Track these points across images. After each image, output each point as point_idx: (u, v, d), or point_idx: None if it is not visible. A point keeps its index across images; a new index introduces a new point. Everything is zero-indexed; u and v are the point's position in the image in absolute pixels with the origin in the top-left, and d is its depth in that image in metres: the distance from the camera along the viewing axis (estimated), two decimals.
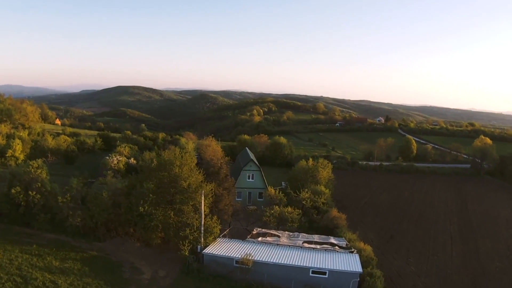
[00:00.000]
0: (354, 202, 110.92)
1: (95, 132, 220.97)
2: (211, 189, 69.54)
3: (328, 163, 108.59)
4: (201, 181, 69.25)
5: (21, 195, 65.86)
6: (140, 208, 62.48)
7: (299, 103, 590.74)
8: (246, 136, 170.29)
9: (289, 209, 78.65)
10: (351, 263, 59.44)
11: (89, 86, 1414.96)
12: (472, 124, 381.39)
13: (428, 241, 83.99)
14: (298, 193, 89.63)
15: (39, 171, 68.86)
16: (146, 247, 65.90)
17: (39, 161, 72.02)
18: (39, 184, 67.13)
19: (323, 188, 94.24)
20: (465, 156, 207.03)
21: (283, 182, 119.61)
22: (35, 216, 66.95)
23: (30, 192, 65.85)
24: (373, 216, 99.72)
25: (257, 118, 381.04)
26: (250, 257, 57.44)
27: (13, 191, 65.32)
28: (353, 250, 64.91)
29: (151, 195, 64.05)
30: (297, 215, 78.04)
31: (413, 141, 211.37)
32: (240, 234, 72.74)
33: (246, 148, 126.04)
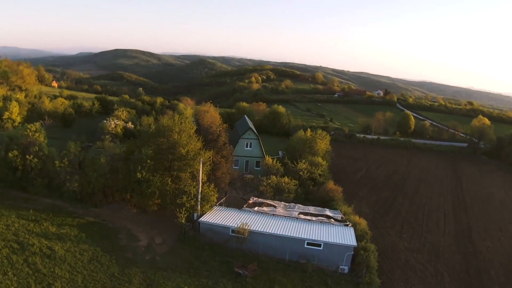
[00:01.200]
0: (350, 175, 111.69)
1: (93, 95, 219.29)
2: (209, 157, 69.41)
3: (326, 134, 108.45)
4: (200, 148, 69.01)
5: (18, 159, 65.48)
6: (138, 174, 62.33)
7: (298, 72, 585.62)
8: (244, 104, 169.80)
9: (286, 179, 78.78)
10: (345, 236, 59.88)
11: (86, 49, 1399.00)
12: (470, 103, 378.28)
13: (422, 217, 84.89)
14: (295, 163, 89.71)
15: (37, 134, 68.31)
16: (142, 213, 66.06)
17: (37, 124, 71.39)
18: (37, 148, 66.66)
19: (320, 160, 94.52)
20: (462, 134, 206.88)
21: (280, 152, 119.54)
22: (32, 181, 66.73)
23: (27, 156, 65.47)
24: (368, 190, 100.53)
25: (255, 86, 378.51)
26: (246, 227, 57.70)
27: (10, 154, 64.83)
28: (348, 223, 65.34)
29: (149, 161, 63.83)
30: (294, 185, 78.25)
31: (412, 116, 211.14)
32: (237, 203, 73.09)
33: (245, 116, 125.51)
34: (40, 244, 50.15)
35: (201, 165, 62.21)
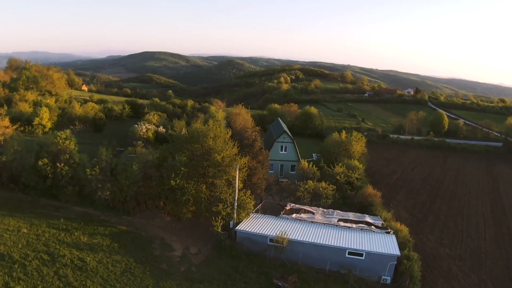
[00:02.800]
0: (385, 178, 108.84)
1: (122, 99, 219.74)
2: (245, 163, 67.03)
3: (361, 136, 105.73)
4: (235, 154, 66.63)
5: (49, 167, 64.14)
6: (172, 181, 60.30)
7: (327, 71, 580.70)
8: (276, 105, 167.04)
9: (323, 184, 76.01)
10: (388, 244, 57.05)
11: (115, 52, 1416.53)
12: (503, 101, 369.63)
13: (461, 222, 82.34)
14: (332, 167, 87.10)
15: (67, 142, 66.84)
16: (176, 221, 64.08)
17: (67, 131, 69.97)
18: (67, 156, 65.17)
19: (357, 163, 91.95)
20: (496, 133, 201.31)
21: (314, 154, 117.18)
22: (62, 189, 65.37)
23: (58, 164, 64.01)
24: (405, 193, 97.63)
25: (284, 86, 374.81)
26: (285, 235, 55.22)
27: (40, 163, 63.60)
28: (389, 230, 62.63)
29: (182, 168, 61.73)
30: (331, 191, 75.52)
31: (445, 116, 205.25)
32: (273, 209, 70.74)
33: (279, 118, 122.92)
34: (71, 255, 48.37)
35: (237, 172, 59.81)
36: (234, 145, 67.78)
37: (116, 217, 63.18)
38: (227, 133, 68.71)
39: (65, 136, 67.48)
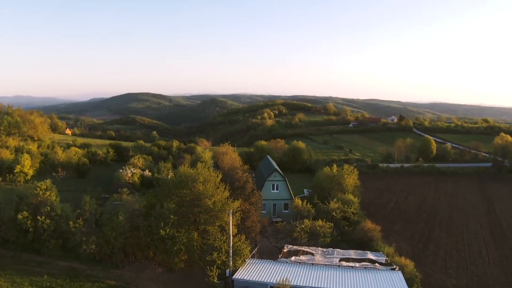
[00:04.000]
0: (380, 209, 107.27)
1: (107, 142, 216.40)
2: (238, 207, 63.67)
3: (353, 169, 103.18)
4: (227, 198, 63.22)
5: (29, 221, 60.18)
6: (161, 231, 56.67)
7: (309, 105, 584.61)
8: (262, 142, 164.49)
9: (320, 222, 72.80)
10: (395, 283, 53.88)
11: (98, 94, 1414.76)
12: (486, 121, 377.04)
13: (462, 248, 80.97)
14: (326, 203, 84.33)
15: (48, 193, 63.04)
16: (168, 272, 60.10)
17: (48, 181, 66.14)
18: (48, 208, 61.22)
19: (351, 197, 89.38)
20: (485, 154, 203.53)
21: (305, 190, 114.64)
22: (45, 243, 61.23)
23: (38, 217, 60.07)
24: (402, 223, 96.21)
25: (269, 122, 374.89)
26: (286, 282, 51.57)
27: (19, 216, 59.71)
28: (394, 266, 59.49)
29: (172, 216, 58.18)
30: (329, 228, 72.36)
31: (433, 141, 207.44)
32: (270, 253, 67.05)
33: (268, 156, 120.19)
34: None
35: (231, 218, 56.38)
36: (225, 188, 64.45)
37: (104, 271, 58.98)
38: (217, 176, 65.40)
39: (45, 187, 63.74)
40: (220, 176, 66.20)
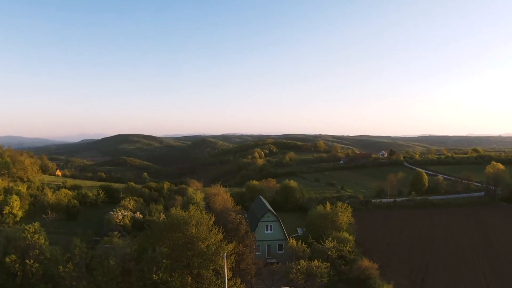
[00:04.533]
0: (375, 245, 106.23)
1: (97, 183, 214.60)
2: (232, 249, 62.13)
3: (347, 206, 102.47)
4: (221, 241, 61.65)
5: (17, 264, 58.25)
6: (154, 276, 54.96)
7: (300, 143, 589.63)
8: (254, 182, 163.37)
9: (316, 262, 71.58)
10: None
11: (89, 136, 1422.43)
12: (476, 150, 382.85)
13: (461, 280, 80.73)
14: (322, 242, 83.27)
15: (36, 236, 61.23)
16: None
17: (36, 224, 64.33)
18: (37, 252, 59.42)
19: (346, 235, 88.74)
20: (477, 184, 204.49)
21: (299, 229, 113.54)
22: (34, 287, 59.16)
23: (27, 261, 58.21)
24: (398, 259, 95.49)
25: (260, 161, 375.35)
26: None
27: (7, 259, 57.80)
28: None
29: (164, 260, 56.53)
30: (325, 268, 71.00)
31: (424, 173, 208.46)
32: None
33: (260, 196, 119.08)
34: None
35: (225, 262, 54.86)
36: (218, 230, 62.97)
37: None
38: (210, 219, 63.97)
39: (33, 230, 61.98)
40: (213, 218, 64.80)
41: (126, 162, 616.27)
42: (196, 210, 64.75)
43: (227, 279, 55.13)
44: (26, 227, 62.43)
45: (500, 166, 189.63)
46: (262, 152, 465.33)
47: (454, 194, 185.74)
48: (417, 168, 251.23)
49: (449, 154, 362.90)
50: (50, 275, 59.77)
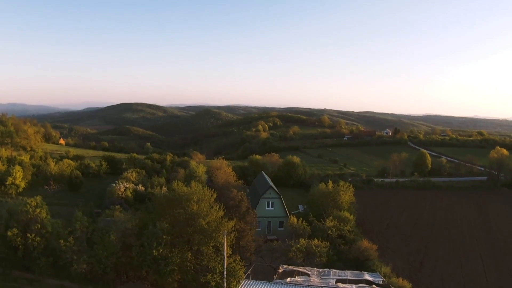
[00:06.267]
0: (376, 225, 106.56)
1: (100, 153, 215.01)
2: (233, 226, 62.32)
3: (349, 185, 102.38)
4: (221, 217, 61.79)
5: (19, 238, 58.54)
6: (154, 251, 55.28)
7: (304, 117, 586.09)
8: (257, 156, 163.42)
9: (316, 241, 71.71)
10: None
11: (93, 104, 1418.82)
12: (481, 134, 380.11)
13: (459, 266, 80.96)
14: (322, 221, 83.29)
15: (38, 210, 61.45)
16: None
17: (38, 198, 64.44)
18: (39, 226, 59.67)
19: (347, 214, 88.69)
20: (480, 168, 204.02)
21: (300, 206, 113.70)
22: (35, 260, 59.44)
23: (28, 235, 58.52)
24: (398, 240, 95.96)
25: (263, 134, 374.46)
26: None
27: (9, 233, 58.10)
28: None
29: (165, 236, 56.78)
30: (325, 247, 71.22)
31: (428, 155, 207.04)
32: (264, 272, 65.54)
33: (263, 172, 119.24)
34: None
35: (225, 239, 55.01)
36: (220, 207, 63.06)
37: None
38: (212, 196, 64.00)
39: (35, 204, 62.16)
40: (215, 195, 64.83)
41: (130, 131, 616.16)
42: (198, 186, 64.73)
43: (227, 256, 55.38)
44: (28, 200, 62.56)
45: (504, 151, 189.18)
46: (266, 125, 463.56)
47: (457, 177, 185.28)
48: (421, 149, 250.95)
49: (454, 136, 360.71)
50: (51, 248, 60.07)
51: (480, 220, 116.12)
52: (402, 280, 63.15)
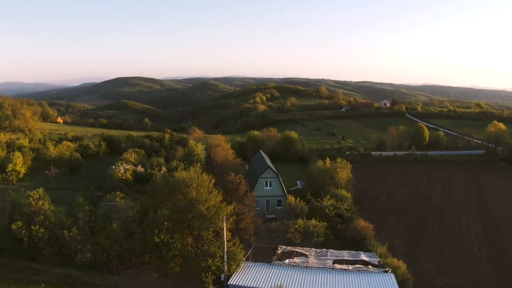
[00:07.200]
0: (373, 201, 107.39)
1: (99, 131, 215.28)
2: (232, 210, 63.59)
3: (346, 163, 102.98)
4: (220, 202, 63.01)
5: (23, 230, 59.72)
6: (155, 238, 56.65)
7: (302, 88, 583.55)
8: (255, 132, 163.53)
9: (314, 221, 72.80)
10: (388, 286, 53.99)
11: (89, 79, 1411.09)
12: (479, 106, 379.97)
13: (454, 244, 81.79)
14: (320, 200, 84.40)
15: (41, 202, 62.36)
16: (164, 277, 60.18)
17: (40, 190, 65.18)
18: (42, 217, 60.87)
19: (344, 192, 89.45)
20: (477, 141, 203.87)
21: (298, 182, 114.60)
22: (40, 250, 60.97)
23: (32, 227, 59.74)
24: (395, 217, 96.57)
25: (261, 107, 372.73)
26: None
27: (14, 226, 59.28)
28: (387, 269, 59.54)
29: (166, 223, 58.12)
30: (322, 227, 72.42)
31: (425, 128, 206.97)
32: (263, 252, 67.01)
33: (261, 151, 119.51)
34: None
35: (225, 224, 56.38)
36: (218, 192, 64.22)
37: (100, 278, 59.04)
38: (210, 181, 65.11)
39: (38, 196, 63.06)
40: (213, 180, 65.96)
41: (127, 106, 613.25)
42: (196, 172, 65.84)
43: (226, 241, 56.78)
44: (30, 193, 63.34)
45: (502, 126, 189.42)
46: (264, 97, 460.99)
47: (454, 151, 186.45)
48: (418, 121, 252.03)
49: (452, 108, 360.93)
50: (55, 238, 61.57)
51: (477, 196, 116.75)
52: (398, 260, 63.97)
